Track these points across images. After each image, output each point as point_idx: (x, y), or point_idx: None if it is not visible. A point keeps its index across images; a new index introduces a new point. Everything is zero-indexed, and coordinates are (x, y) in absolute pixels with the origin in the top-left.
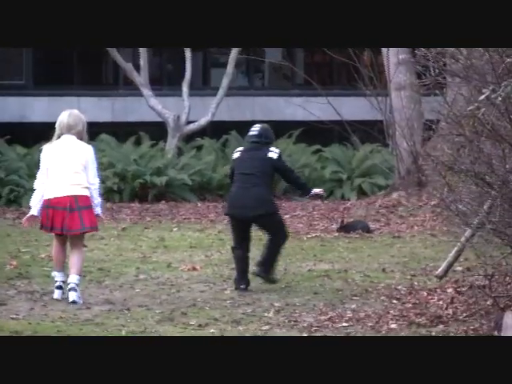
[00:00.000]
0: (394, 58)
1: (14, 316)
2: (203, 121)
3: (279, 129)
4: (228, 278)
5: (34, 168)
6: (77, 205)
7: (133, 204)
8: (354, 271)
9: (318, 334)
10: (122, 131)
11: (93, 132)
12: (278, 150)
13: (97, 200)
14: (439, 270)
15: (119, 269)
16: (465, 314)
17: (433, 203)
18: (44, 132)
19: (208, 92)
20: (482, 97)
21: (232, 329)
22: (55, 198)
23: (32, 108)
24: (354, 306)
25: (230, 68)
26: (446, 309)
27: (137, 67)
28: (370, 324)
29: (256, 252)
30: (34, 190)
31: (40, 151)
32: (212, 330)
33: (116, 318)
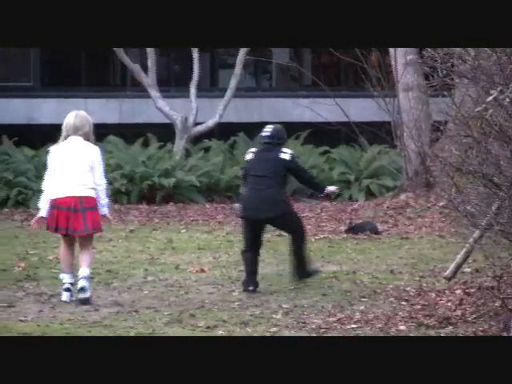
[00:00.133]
0: (401, 58)
1: (23, 318)
2: (211, 122)
3: (287, 130)
4: (236, 279)
5: (41, 170)
6: (81, 206)
7: (141, 206)
8: (363, 272)
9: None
10: (129, 133)
11: (100, 133)
12: (290, 151)
13: (104, 200)
14: (448, 271)
15: (127, 271)
16: (473, 316)
17: (441, 204)
18: (52, 134)
19: (216, 93)
20: (490, 98)
21: (240, 330)
22: (60, 198)
23: (40, 110)
24: (362, 308)
25: (237, 69)
26: (455, 310)
27: (144, 68)
28: (378, 325)
29: (264, 255)
30: (42, 191)
31: (47, 153)
32: (220, 332)
33: (124, 319)
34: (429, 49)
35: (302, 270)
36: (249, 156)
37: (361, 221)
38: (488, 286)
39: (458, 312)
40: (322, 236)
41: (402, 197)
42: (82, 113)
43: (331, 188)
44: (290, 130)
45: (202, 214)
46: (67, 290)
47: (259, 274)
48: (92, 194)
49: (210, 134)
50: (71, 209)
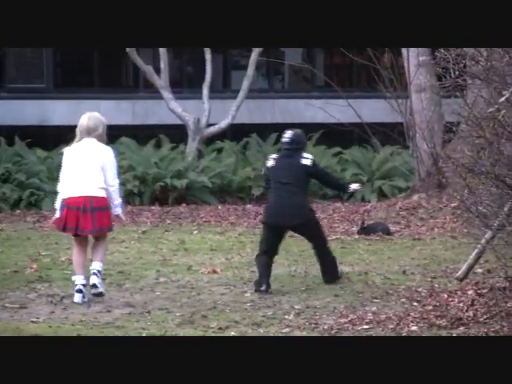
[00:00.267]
0: (414, 59)
1: (35, 319)
2: (223, 123)
3: None
4: (248, 280)
5: (54, 171)
6: (90, 205)
7: (153, 207)
8: (375, 273)
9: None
10: (142, 134)
11: (113, 135)
12: (310, 156)
13: (117, 201)
14: (459, 272)
15: (139, 272)
16: (485, 316)
17: (453, 205)
18: (64, 135)
19: (228, 95)
20: (503, 99)
21: (252, 331)
22: (70, 197)
23: (52, 111)
24: (374, 309)
25: (250, 70)
26: (467, 311)
27: (157, 70)
28: (390, 326)
29: (276, 255)
30: (58, 192)
31: (60, 154)
32: (232, 333)
33: (136, 321)
34: (441, 49)
35: (331, 272)
36: (270, 163)
37: (373, 222)
38: (500, 286)
39: (470, 313)
40: (334, 237)
41: (415, 198)
42: (96, 114)
43: (354, 186)
44: (303, 131)
45: (214, 215)
46: (79, 291)
47: (271, 275)
48: (102, 194)
49: (222, 135)
50: (80, 208)
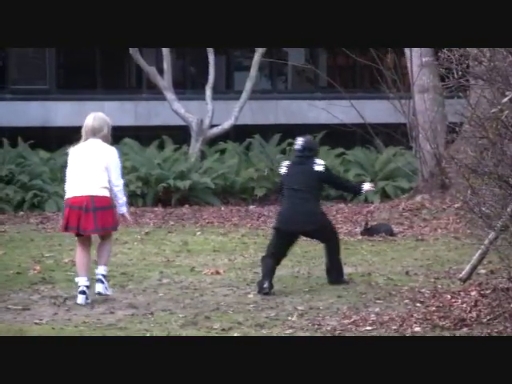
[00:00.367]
0: (417, 60)
1: (38, 321)
2: (226, 124)
3: (302, 132)
4: (251, 281)
5: (57, 172)
6: (93, 205)
7: (156, 208)
8: (378, 274)
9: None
10: (145, 135)
11: (116, 136)
12: (322, 162)
13: (121, 200)
14: (463, 272)
15: (142, 273)
16: (488, 317)
17: (456, 206)
18: (67, 136)
19: (231, 95)
20: (506, 99)
21: (255, 332)
22: (73, 197)
23: (55, 112)
24: (377, 310)
25: (253, 71)
26: (470, 312)
27: (160, 71)
28: (393, 327)
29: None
30: (66, 192)
31: (64, 155)
32: (235, 334)
33: (139, 322)
34: (444, 50)
35: (335, 273)
36: (282, 170)
37: (376, 223)
38: (503, 287)
39: (473, 313)
40: None
41: (418, 198)
42: (101, 114)
43: (367, 187)
44: (306, 131)
45: (217, 217)
46: (82, 292)
47: (275, 276)
48: (105, 193)
49: (225, 136)
50: (83, 208)
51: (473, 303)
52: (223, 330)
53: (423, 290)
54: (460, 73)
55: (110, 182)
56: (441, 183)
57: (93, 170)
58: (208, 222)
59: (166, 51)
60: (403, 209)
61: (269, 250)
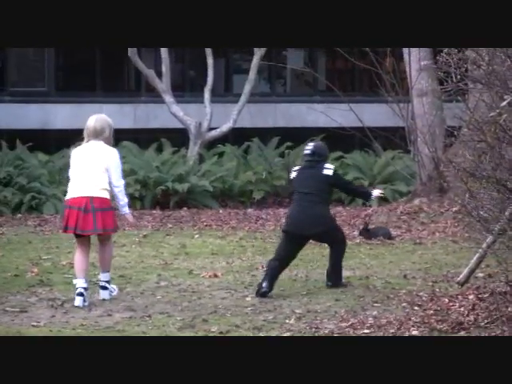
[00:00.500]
0: (415, 64)
1: (35, 323)
2: (225, 127)
3: (301, 135)
4: (249, 284)
5: (55, 175)
6: (92, 206)
7: (154, 211)
8: (376, 278)
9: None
10: (143, 138)
11: (115, 138)
12: (332, 166)
13: (123, 201)
14: (461, 276)
15: (140, 276)
16: (486, 321)
17: (454, 209)
18: (66, 139)
19: (230, 98)
20: (504, 103)
21: (253, 336)
22: (72, 198)
23: (54, 115)
24: (375, 313)
25: (251, 74)
26: (468, 315)
27: (159, 74)
28: (391, 331)
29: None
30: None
31: (62, 157)
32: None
33: (137, 325)
34: (443, 54)
35: (334, 276)
36: (293, 174)
37: (374, 226)
38: (501, 291)
39: (471, 317)
40: None
41: (416, 202)
42: (103, 116)
43: (376, 193)
44: (304, 135)
45: (215, 219)
46: (80, 294)
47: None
48: (105, 195)
49: (224, 139)
50: (82, 209)
51: (470, 307)
52: (221, 333)
53: (421, 294)
54: (458, 77)
55: (110, 183)
56: (439, 187)
57: (93, 172)
58: (206, 225)
59: (164, 54)
60: (401, 212)
61: (276, 253)
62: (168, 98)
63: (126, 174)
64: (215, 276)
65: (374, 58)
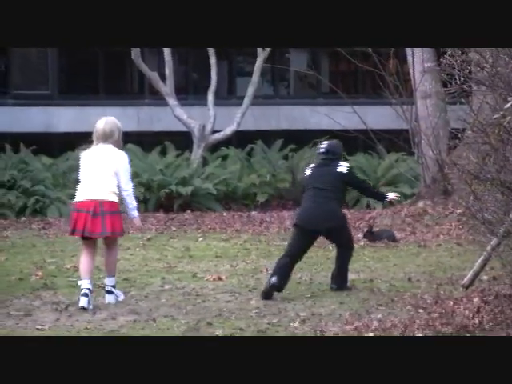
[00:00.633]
0: (419, 66)
1: (40, 327)
2: (228, 130)
3: (304, 138)
4: (253, 287)
5: (59, 178)
6: (101, 209)
7: (158, 214)
8: (380, 280)
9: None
10: (147, 141)
11: None
12: (347, 164)
13: (131, 205)
14: (465, 279)
15: (145, 279)
16: (491, 324)
17: (459, 212)
18: (69, 142)
19: (233, 101)
20: (508, 105)
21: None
22: (81, 201)
23: (58, 118)
24: (379, 316)
25: (255, 77)
26: (472, 318)
27: (162, 76)
28: (396, 334)
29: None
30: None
31: (66, 160)
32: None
33: (142, 328)
34: (446, 56)
35: (339, 279)
36: (308, 171)
37: (378, 229)
38: (505, 293)
39: (476, 320)
40: None
41: (420, 204)
42: (112, 119)
43: (391, 196)
44: (308, 137)
45: (219, 222)
46: (85, 295)
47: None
48: (113, 198)
49: (227, 141)
50: (90, 212)
51: (475, 310)
52: (225, 336)
53: (425, 297)
54: (462, 78)
55: (119, 186)
56: (443, 189)
57: (102, 175)
58: (210, 228)
59: (168, 57)
60: (405, 215)
61: (286, 250)
62: (171, 100)
63: None
64: (219, 279)
65: (378, 59)
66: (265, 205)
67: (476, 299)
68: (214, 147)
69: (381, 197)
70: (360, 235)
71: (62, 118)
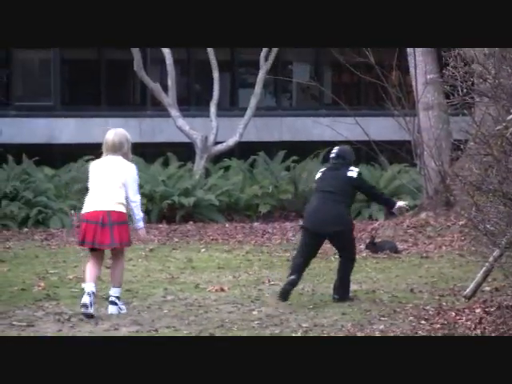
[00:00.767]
0: (421, 77)
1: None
2: (231, 141)
3: (307, 149)
4: (256, 298)
5: (61, 189)
6: (109, 220)
7: (160, 225)
8: (382, 291)
9: None
10: (149, 152)
11: None
12: (357, 169)
13: (138, 215)
14: (467, 290)
15: (147, 290)
16: (493, 335)
17: (461, 223)
18: (72, 153)
19: (236, 112)
20: (510, 116)
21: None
22: (89, 212)
23: (60, 129)
24: (382, 327)
25: (257, 88)
26: (475, 329)
27: (164, 88)
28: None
29: (284, 273)
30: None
31: (68, 172)
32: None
33: None
34: (449, 67)
35: (342, 290)
36: (318, 175)
37: (381, 240)
38: (508, 304)
39: (478, 331)
40: None
41: (422, 216)
42: (121, 130)
43: (401, 203)
44: (310, 148)
45: (221, 233)
46: (88, 294)
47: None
48: (121, 209)
49: (230, 153)
50: (99, 223)
51: (477, 320)
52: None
53: (428, 308)
54: (465, 90)
55: (127, 198)
56: (445, 200)
57: (110, 186)
58: (212, 239)
59: (170, 67)
60: (408, 226)
61: (300, 251)
62: (174, 111)
63: None
64: (222, 290)
65: (380, 71)
66: (267, 216)
67: (478, 310)
68: (217, 158)
69: (390, 203)
70: (362, 246)
71: (65, 129)
